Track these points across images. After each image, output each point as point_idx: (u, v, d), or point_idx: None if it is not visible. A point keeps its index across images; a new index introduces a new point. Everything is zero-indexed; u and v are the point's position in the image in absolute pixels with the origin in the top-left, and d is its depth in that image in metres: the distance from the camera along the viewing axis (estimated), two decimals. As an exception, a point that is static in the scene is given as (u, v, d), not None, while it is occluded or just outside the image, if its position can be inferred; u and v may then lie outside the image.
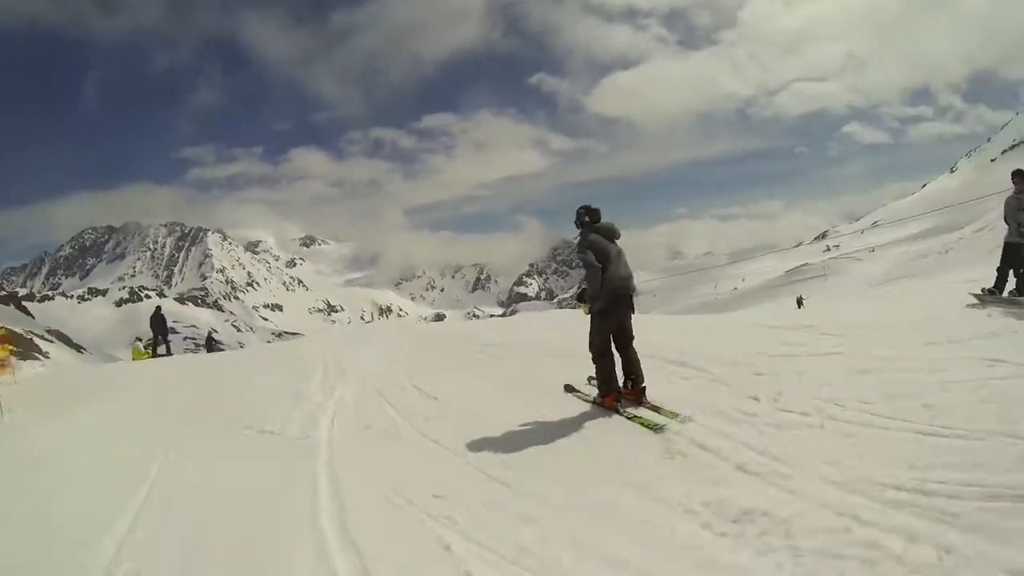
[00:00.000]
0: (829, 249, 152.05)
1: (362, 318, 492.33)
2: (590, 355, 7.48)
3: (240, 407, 10.11)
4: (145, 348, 28.47)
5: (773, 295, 76.31)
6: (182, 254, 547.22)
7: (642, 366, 7.42)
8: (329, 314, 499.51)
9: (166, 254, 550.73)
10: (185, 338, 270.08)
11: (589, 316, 7.47)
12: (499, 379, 9.84)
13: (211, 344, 41.98)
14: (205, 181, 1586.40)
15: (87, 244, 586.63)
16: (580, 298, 7.65)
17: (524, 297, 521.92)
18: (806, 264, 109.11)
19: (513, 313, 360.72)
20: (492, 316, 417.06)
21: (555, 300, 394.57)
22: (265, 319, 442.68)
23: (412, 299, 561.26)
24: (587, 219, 7.47)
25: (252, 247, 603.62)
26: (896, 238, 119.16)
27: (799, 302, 36.11)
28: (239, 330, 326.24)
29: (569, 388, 8.43)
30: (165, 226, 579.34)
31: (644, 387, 7.36)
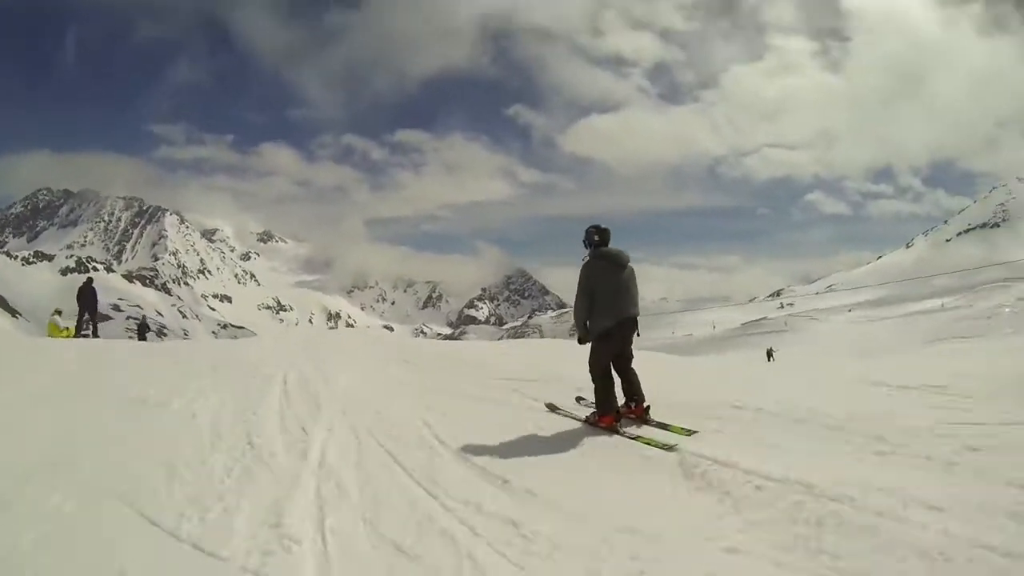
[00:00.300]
0: (783, 307, 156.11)
1: (310, 321, 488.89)
2: (590, 377, 7.16)
3: (142, 459, 6.02)
4: (65, 328, 23.23)
5: (731, 345, 76.76)
6: (137, 231, 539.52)
7: (786, 432, 6.25)
8: (278, 312, 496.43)
9: (120, 228, 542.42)
10: (128, 317, 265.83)
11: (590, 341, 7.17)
12: (574, 442, 6.55)
13: (143, 330, 35.60)
14: (172, 160, 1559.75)
15: (40, 205, 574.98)
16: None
17: (473, 320, 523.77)
18: (764, 318, 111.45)
19: (462, 335, 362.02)
20: (440, 335, 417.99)
21: (504, 327, 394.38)
22: (213, 309, 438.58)
23: (362, 308, 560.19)
24: (596, 239, 7.21)
25: (209, 234, 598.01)
26: (851, 303, 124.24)
27: (769, 354, 36.71)
28: (184, 316, 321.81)
29: (552, 407, 8.05)
30: (124, 199, 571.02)
31: (648, 406, 7.21)
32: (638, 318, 7.23)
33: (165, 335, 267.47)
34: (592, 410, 7.40)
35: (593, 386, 7.18)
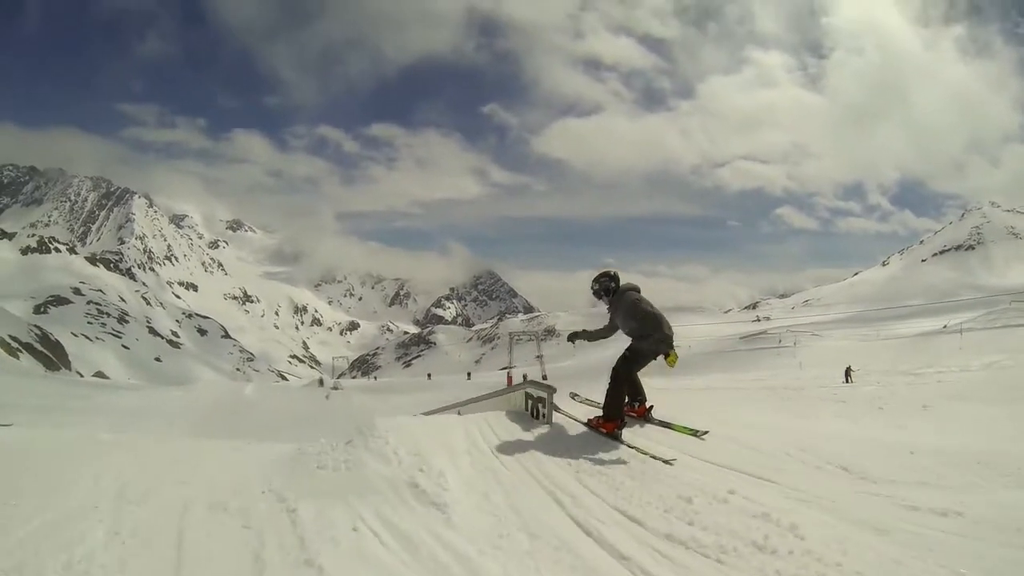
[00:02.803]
0: (759, 320, 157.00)
1: (276, 313, 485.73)
2: (612, 380, 7.64)
3: None
4: None
5: (729, 361, 67.85)
6: (103, 212, 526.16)
7: None
8: (244, 303, 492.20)
9: (86, 209, 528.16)
10: (89, 302, 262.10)
11: (626, 349, 7.76)
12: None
13: None
14: (142, 142, 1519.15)
15: (4, 181, 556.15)
16: (572, 338, 8.55)
17: (441, 320, 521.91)
18: (765, 332, 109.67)
19: (430, 335, 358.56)
20: (406, 334, 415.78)
21: (474, 328, 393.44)
22: (178, 296, 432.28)
23: (329, 303, 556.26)
24: (614, 285, 7.98)
25: (177, 220, 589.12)
26: (829, 319, 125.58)
27: (847, 373, 33.75)
28: (148, 303, 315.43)
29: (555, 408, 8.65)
30: (91, 179, 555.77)
31: (651, 406, 8.03)
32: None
33: (127, 321, 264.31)
34: (595, 413, 7.94)
35: (607, 389, 7.64)
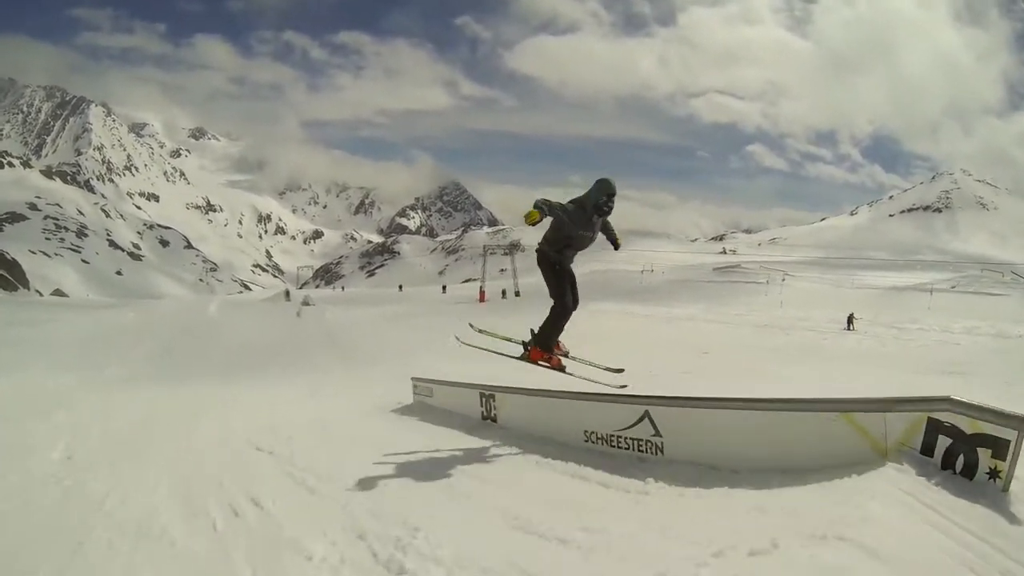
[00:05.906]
0: (725, 252, 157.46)
1: (240, 222, 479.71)
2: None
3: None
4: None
5: (702, 292, 65.65)
6: (59, 123, 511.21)
7: None
8: (206, 213, 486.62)
9: (40, 120, 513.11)
10: (46, 217, 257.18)
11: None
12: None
13: None
14: (97, 49, 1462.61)
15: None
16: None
17: (404, 229, 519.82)
18: (738, 266, 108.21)
19: (394, 244, 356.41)
20: (370, 243, 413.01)
21: (438, 238, 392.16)
22: (139, 207, 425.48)
23: (294, 211, 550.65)
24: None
25: (137, 129, 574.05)
26: (795, 260, 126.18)
27: (850, 320, 33.01)
28: (108, 216, 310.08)
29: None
30: (44, 89, 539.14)
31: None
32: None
33: (86, 235, 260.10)
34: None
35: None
